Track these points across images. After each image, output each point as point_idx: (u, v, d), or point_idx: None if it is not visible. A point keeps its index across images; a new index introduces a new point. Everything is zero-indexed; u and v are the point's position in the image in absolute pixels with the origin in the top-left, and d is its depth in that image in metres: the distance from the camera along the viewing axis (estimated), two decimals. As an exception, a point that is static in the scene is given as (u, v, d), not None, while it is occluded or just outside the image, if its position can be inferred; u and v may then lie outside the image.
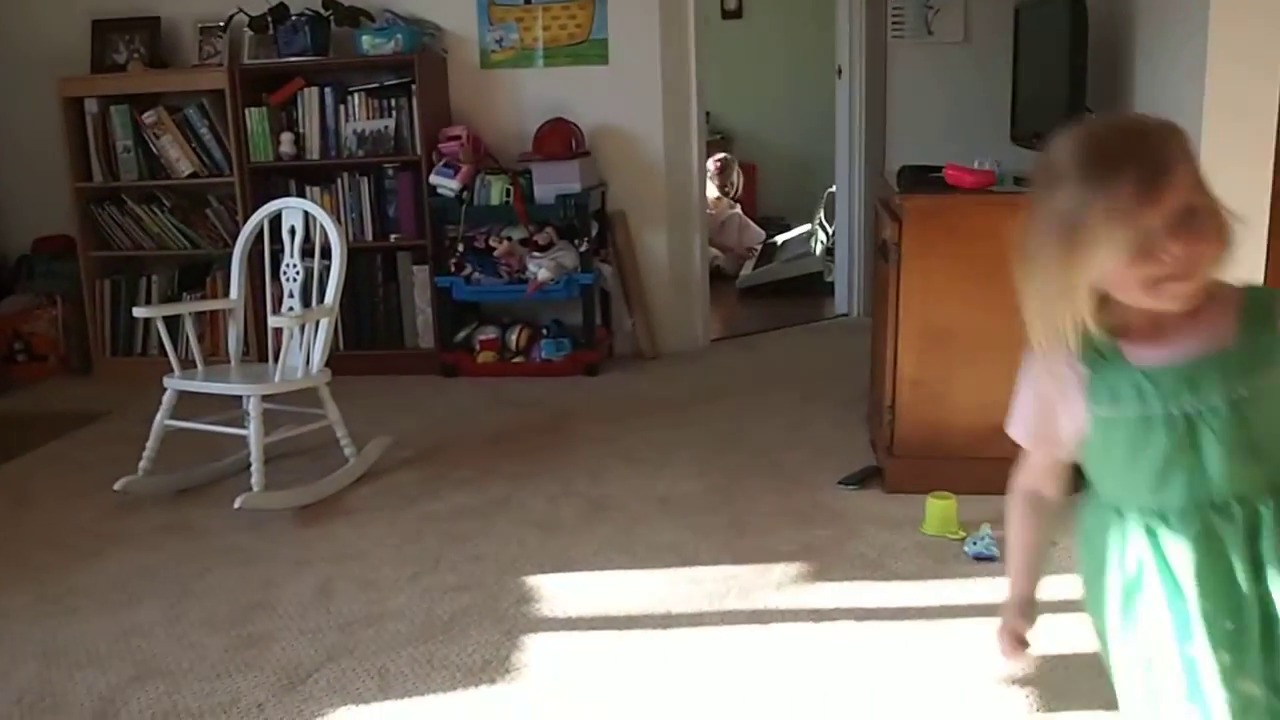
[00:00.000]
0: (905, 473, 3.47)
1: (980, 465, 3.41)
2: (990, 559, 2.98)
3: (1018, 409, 1.52)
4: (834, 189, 6.52)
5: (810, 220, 7.28)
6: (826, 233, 6.91)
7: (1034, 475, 1.58)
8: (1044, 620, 2.65)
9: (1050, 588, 2.80)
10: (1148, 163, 1.27)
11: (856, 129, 6.05)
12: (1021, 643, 1.65)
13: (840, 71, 6.14)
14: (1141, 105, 3.52)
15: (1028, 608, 1.64)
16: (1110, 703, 2.25)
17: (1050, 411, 1.46)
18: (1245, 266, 1.36)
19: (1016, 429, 1.54)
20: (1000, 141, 4.22)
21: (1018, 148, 4.09)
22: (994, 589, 2.83)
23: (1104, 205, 1.27)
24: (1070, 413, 1.43)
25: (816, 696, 2.36)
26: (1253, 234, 1.38)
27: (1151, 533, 1.40)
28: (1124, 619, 1.45)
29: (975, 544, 3.04)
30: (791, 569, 2.99)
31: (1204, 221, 1.28)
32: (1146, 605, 1.41)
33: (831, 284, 6.58)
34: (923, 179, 3.63)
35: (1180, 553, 1.38)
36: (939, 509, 3.19)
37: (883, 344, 3.63)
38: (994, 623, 2.63)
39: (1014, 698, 2.33)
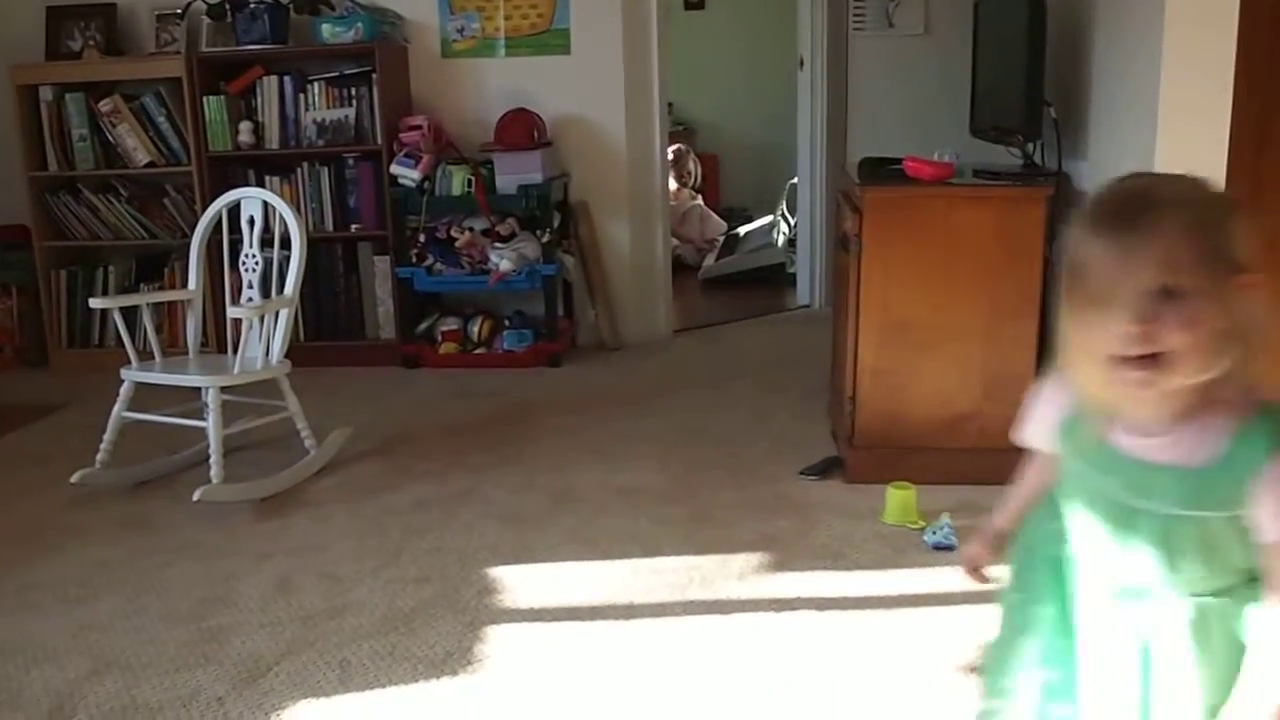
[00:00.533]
0: (866, 463, 3.49)
1: (940, 455, 3.47)
2: (949, 548, 3.01)
3: (1032, 416, 1.50)
4: (795, 180, 6.54)
5: (772, 211, 7.31)
6: (789, 224, 6.93)
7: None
8: (992, 608, 2.69)
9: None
10: (1125, 228, 1.20)
11: (818, 120, 6.08)
12: (979, 570, 1.66)
13: (802, 63, 6.16)
14: (1098, 100, 3.55)
15: (998, 540, 1.63)
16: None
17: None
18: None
19: (1027, 435, 1.53)
20: (960, 134, 4.25)
21: (977, 140, 4.13)
22: (954, 578, 2.86)
23: (1069, 261, 1.24)
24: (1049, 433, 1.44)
25: (778, 685, 2.38)
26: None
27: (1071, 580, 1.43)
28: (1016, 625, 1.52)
29: (935, 533, 3.07)
30: (753, 559, 3.00)
31: (1187, 312, 1.18)
32: (1033, 639, 1.47)
33: (794, 275, 6.61)
34: (883, 171, 3.66)
35: (1086, 619, 1.41)
36: (899, 499, 3.21)
37: (844, 335, 3.65)
38: (953, 611, 2.69)
39: (970, 684, 2.35)
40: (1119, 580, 1.36)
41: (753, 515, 3.30)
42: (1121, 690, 1.36)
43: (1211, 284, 1.18)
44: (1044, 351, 3.46)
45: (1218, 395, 1.23)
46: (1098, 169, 3.49)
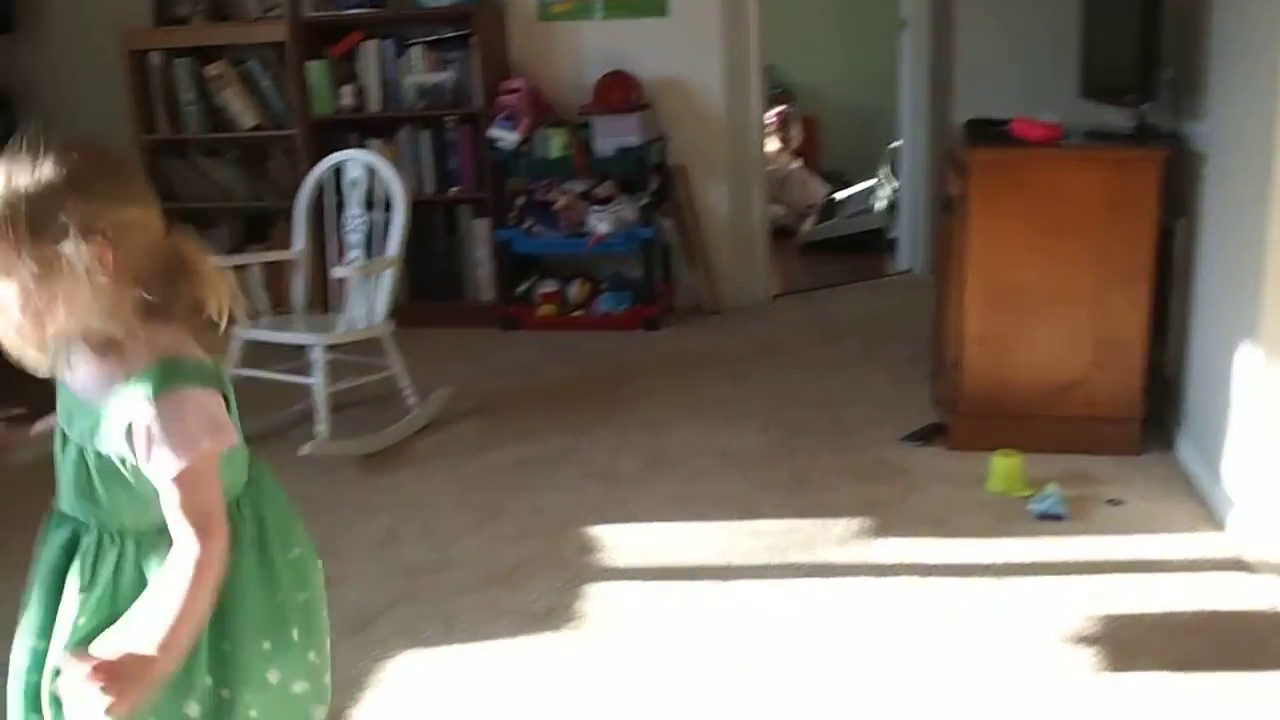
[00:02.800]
0: (970, 429, 3.44)
1: (1047, 423, 3.40)
2: (1057, 518, 2.95)
3: None
4: (897, 143, 6.43)
5: (872, 175, 7.20)
6: (890, 188, 6.83)
7: None
8: (1110, 579, 2.64)
9: (1123, 548, 2.78)
10: None
11: (921, 82, 5.96)
12: None
13: (905, 23, 6.04)
14: (1218, 59, 3.43)
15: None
16: (1179, 663, 2.25)
17: None
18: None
19: None
20: (1068, 95, 4.13)
21: (1088, 102, 4.01)
22: (1062, 548, 2.81)
23: None
24: None
25: (877, 651, 2.36)
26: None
27: None
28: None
29: (1041, 502, 3.01)
30: (853, 524, 2.98)
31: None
32: None
33: (894, 240, 6.51)
34: (990, 132, 3.58)
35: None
36: (1004, 466, 3.15)
37: (947, 300, 3.59)
38: (1060, 581, 2.63)
39: (1079, 656, 2.31)
40: (57, 505, 1.50)
41: (852, 480, 3.28)
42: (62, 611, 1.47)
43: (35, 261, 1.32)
44: (1157, 318, 3.37)
45: (122, 345, 1.39)
46: (1216, 131, 3.37)
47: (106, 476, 1.42)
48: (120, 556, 1.46)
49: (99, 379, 1.41)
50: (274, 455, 3.56)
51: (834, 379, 4.25)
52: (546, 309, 5.19)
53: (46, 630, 1.49)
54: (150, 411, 1.35)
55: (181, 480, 1.35)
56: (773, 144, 7.41)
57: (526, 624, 2.51)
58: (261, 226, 5.51)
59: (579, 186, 5.10)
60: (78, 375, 1.43)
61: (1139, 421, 3.39)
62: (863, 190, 7.24)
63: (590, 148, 4.99)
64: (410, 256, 5.14)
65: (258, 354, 3.76)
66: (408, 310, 4.84)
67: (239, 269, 3.94)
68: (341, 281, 3.88)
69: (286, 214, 4.19)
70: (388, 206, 3.79)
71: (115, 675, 1.28)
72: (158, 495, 1.37)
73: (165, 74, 5.35)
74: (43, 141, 1.36)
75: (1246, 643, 2.36)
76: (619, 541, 2.93)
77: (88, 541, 1.47)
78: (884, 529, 2.95)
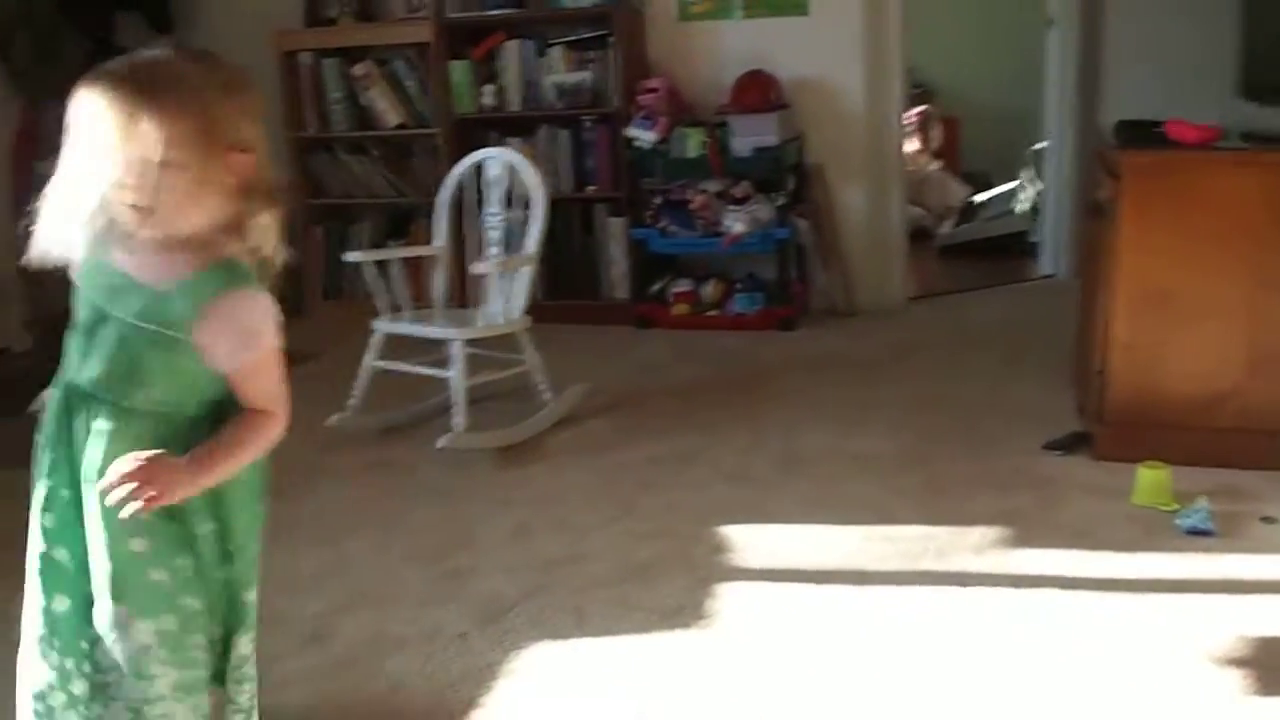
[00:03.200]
0: (1115, 440, 3.33)
1: (1197, 435, 3.28)
2: (1206, 533, 2.84)
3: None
4: (1041, 144, 6.28)
5: (1014, 177, 7.04)
6: (1033, 190, 6.66)
7: None
8: (1260, 599, 2.53)
9: (1276, 568, 2.66)
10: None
11: (1068, 82, 5.80)
12: None
13: (1052, 21, 5.89)
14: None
15: None
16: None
17: None
18: None
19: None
20: (1222, 95, 3.97)
21: (1245, 102, 3.84)
22: (1210, 565, 2.70)
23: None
24: None
25: (1012, 662, 2.30)
26: None
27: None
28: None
29: (1189, 517, 2.89)
30: (991, 533, 2.91)
31: (176, 179, 1.46)
32: None
33: (1035, 244, 6.35)
34: (1142, 134, 3.46)
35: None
36: (1151, 479, 3.05)
37: (1094, 305, 3.48)
38: (1207, 599, 2.53)
39: (1224, 678, 2.22)
40: (77, 381, 1.59)
41: (991, 488, 3.20)
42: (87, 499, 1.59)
43: (200, 157, 1.46)
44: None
45: (192, 241, 1.52)
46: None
47: (155, 349, 1.54)
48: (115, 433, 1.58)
49: (162, 267, 1.54)
50: (413, 447, 3.68)
51: (972, 385, 4.16)
52: (680, 308, 5.20)
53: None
54: (227, 305, 1.53)
55: (252, 368, 1.58)
56: (912, 145, 7.30)
57: (657, 621, 2.52)
58: (403, 223, 5.64)
59: (715, 186, 5.09)
60: (133, 258, 1.55)
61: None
62: (1004, 193, 7.09)
63: (727, 147, 4.98)
64: (547, 254, 5.20)
65: (399, 348, 3.84)
66: (544, 308, 4.89)
67: (381, 264, 4.05)
68: (480, 278, 3.94)
69: (428, 211, 4.28)
70: (526, 205, 3.84)
71: (150, 472, 1.48)
72: (199, 377, 1.57)
73: (314, 73, 5.52)
74: (216, 55, 1.54)
75: None
76: (750, 542, 2.92)
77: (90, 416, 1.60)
78: (1023, 539, 2.87)
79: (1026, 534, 2.89)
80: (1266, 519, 2.92)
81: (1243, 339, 3.23)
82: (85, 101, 1.44)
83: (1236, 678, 2.22)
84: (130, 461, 1.48)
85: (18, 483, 1.81)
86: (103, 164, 1.45)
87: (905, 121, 6.21)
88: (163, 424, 1.59)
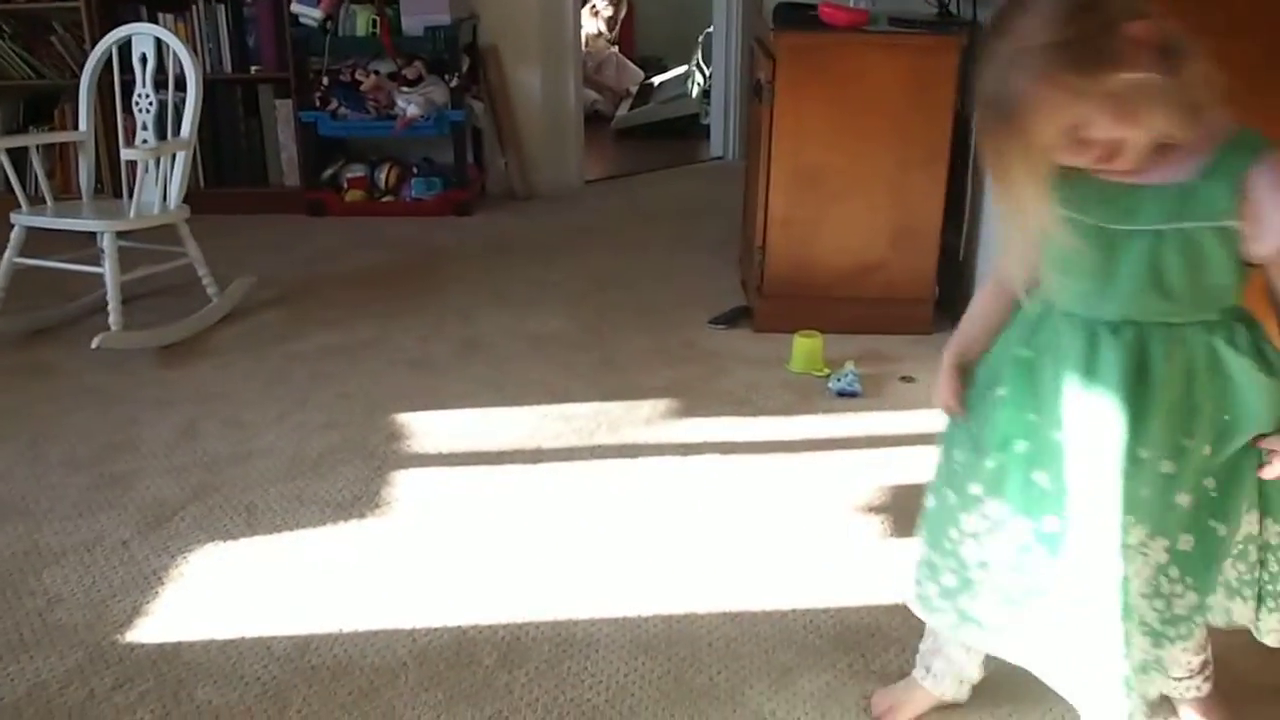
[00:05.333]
0: (774, 312, 3.52)
1: (847, 305, 3.51)
2: (854, 395, 3.07)
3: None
4: (711, 29, 6.43)
5: (688, 61, 7.19)
6: (704, 74, 6.83)
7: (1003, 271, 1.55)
8: (900, 451, 2.78)
9: (914, 421, 2.92)
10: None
11: (733, -34, 5.95)
12: (956, 405, 1.58)
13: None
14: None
15: (958, 372, 1.59)
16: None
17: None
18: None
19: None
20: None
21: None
22: (857, 423, 2.93)
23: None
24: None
25: (684, 527, 2.43)
26: None
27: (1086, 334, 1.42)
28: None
29: (839, 380, 3.12)
30: (660, 405, 3.03)
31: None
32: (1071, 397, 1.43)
33: (708, 126, 6.54)
34: (798, 16, 3.60)
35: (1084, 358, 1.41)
36: (805, 347, 3.25)
37: (755, 184, 3.63)
38: (857, 455, 2.76)
39: (868, 525, 2.43)
40: (1107, 315, 1.39)
41: (661, 362, 3.33)
42: (1106, 444, 1.38)
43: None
44: (950, 205, 3.49)
45: (1189, 134, 1.29)
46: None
47: (1191, 254, 1.33)
48: (1188, 346, 1.38)
49: (1169, 166, 1.32)
50: (63, 349, 3.44)
51: (645, 264, 4.28)
52: (354, 194, 5.05)
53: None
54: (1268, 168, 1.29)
55: None
56: (591, 27, 7.31)
57: (332, 512, 2.49)
58: (44, 106, 5.16)
59: (386, 67, 4.94)
60: (1149, 171, 1.32)
61: (931, 303, 3.54)
62: (678, 76, 7.23)
63: (398, 26, 4.83)
64: (209, 139, 4.96)
65: (41, 242, 3.56)
66: (207, 196, 4.66)
67: (18, 151, 3.71)
68: (132, 165, 3.68)
69: (71, 93, 3.94)
70: (180, 86, 3.60)
71: None
72: (1237, 269, 1.34)
73: (-73, -63, 4.92)
74: None
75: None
76: (428, 428, 2.92)
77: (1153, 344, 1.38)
78: (690, 409, 3.01)
79: (692, 404, 3.04)
80: (905, 378, 3.19)
81: (887, 215, 3.47)
82: None
83: (878, 522, 2.43)
84: None
85: None
86: None
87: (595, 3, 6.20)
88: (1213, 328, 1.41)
